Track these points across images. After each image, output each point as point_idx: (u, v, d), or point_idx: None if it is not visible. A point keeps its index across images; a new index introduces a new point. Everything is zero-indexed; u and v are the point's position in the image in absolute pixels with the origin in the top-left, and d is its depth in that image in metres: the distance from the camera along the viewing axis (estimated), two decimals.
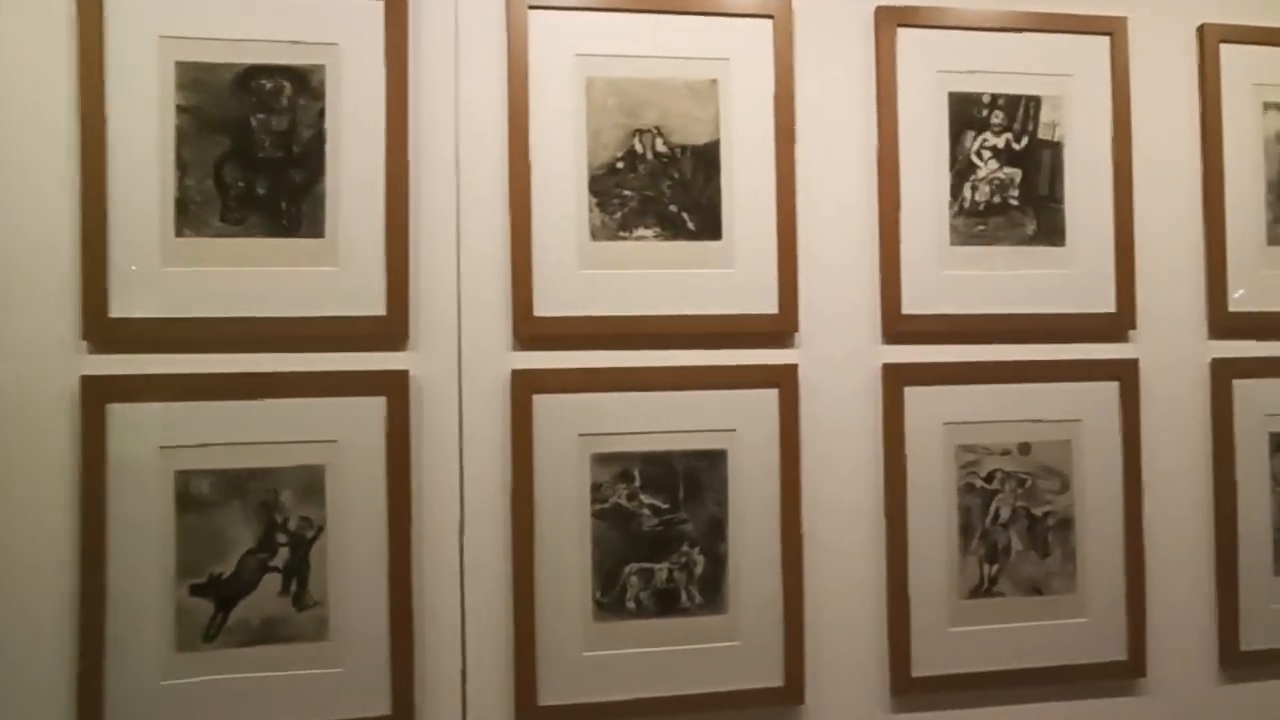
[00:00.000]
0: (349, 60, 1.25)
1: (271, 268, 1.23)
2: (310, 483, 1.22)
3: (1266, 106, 1.51)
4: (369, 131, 1.25)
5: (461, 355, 1.28)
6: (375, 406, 1.24)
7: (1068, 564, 1.41)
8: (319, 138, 1.24)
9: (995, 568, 1.40)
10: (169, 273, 1.20)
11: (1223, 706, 1.47)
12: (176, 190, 1.20)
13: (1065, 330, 1.42)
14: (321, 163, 1.24)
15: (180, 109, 1.20)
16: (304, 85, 1.23)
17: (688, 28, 1.33)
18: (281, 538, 1.21)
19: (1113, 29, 1.45)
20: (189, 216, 1.20)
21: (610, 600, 1.29)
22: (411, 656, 1.24)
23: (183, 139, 1.19)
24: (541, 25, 1.30)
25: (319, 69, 1.24)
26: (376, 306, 1.25)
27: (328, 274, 1.24)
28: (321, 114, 1.24)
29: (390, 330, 1.25)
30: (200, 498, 1.19)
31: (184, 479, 1.18)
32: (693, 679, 1.30)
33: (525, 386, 1.27)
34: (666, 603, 1.30)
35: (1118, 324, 1.44)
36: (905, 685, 1.36)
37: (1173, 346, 1.47)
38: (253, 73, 1.21)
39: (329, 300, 1.24)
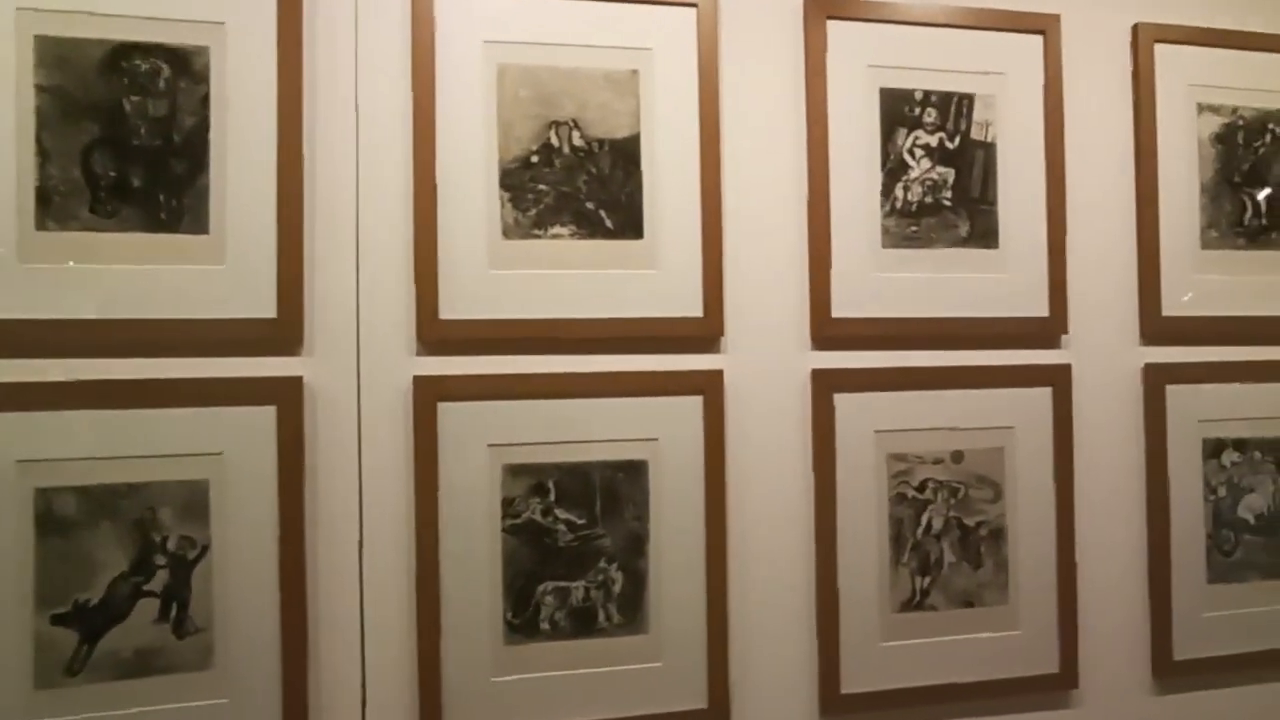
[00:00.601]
0: (236, 41, 1.15)
1: (150, 265, 1.13)
2: (192, 499, 1.12)
3: (1202, 108, 1.49)
4: (259, 119, 1.15)
5: (360, 361, 1.19)
6: (265, 416, 1.14)
7: (1000, 575, 1.37)
8: (203, 125, 1.14)
9: (927, 580, 1.35)
10: (30, 269, 1.09)
11: (1156, 716, 1.45)
12: (37, 179, 1.08)
13: (998, 335, 1.39)
14: (205, 153, 1.14)
15: (40, 89, 1.09)
16: (185, 67, 1.13)
17: (607, 15, 1.26)
18: (159, 559, 1.11)
19: (1045, 27, 1.42)
20: (52, 208, 1.09)
21: (523, 621, 1.21)
22: (305, 686, 1.14)
23: (44, 123, 1.08)
24: (448, 9, 1.21)
25: (202, 50, 1.14)
26: (266, 308, 1.15)
27: (213, 273, 1.14)
28: (206, 99, 1.14)
29: (282, 333, 1.16)
30: (64, 518, 1.08)
31: (45, 497, 1.07)
32: (612, 702, 1.23)
33: (430, 393, 1.19)
34: (583, 623, 1.22)
35: (1050, 329, 1.40)
36: (835, 703, 1.30)
37: (1106, 352, 1.44)
38: (125, 51, 1.11)
39: (214, 301, 1.14)
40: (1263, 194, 1.48)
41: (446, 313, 1.20)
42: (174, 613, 1.11)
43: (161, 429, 1.12)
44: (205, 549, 1.13)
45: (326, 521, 1.17)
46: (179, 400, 1.13)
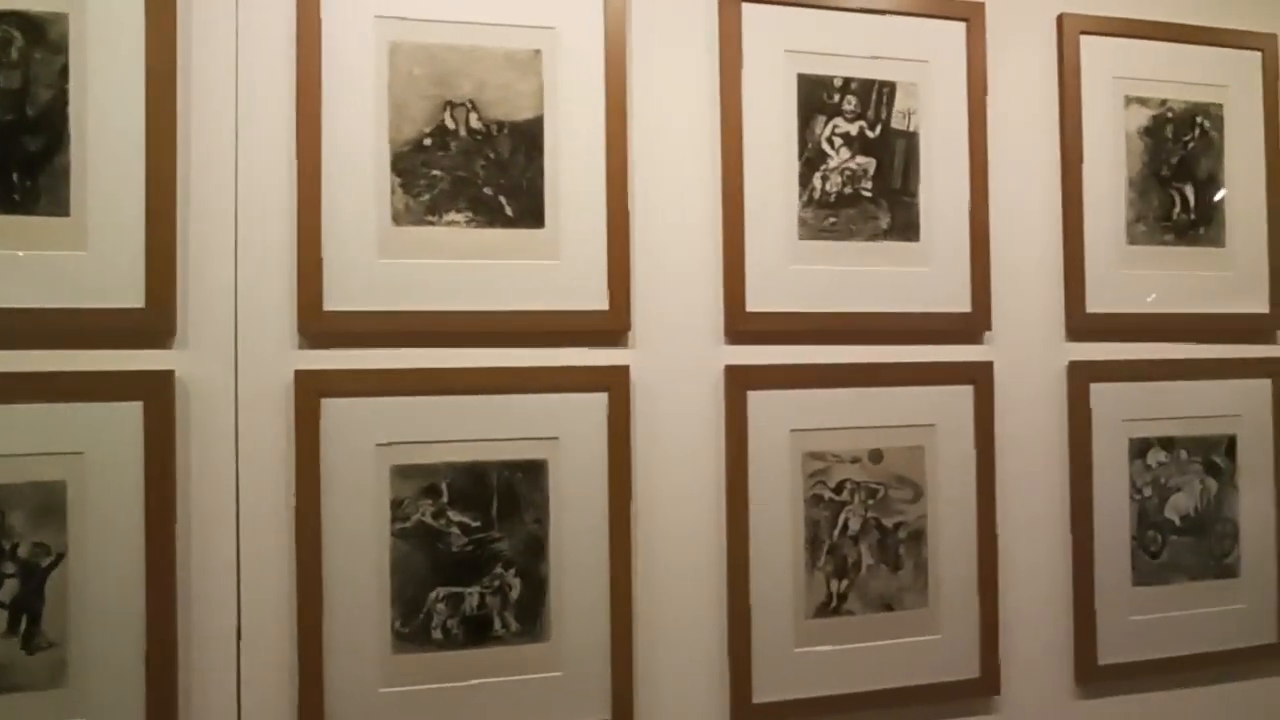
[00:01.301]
0: (98, 7, 1.07)
1: (2, 250, 1.05)
2: (47, 502, 1.04)
3: (1129, 100, 1.46)
4: (125, 93, 1.07)
5: (238, 354, 1.11)
6: (131, 412, 1.06)
7: (920, 578, 1.33)
8: (60, 99, 1.05)
9: (844, 583, 1.30)
10: None
11: None
12: None
13: (918, 331, 1.34)
14: (64, 129, 1.05)
15: None
16: (40, 36, 1.05)
17: None
18: (9, 567, 1.03)
19: (969, 15, 1.37)
20: None
21: (413, 630, 1.14)
22: (175, 704, 1.07)
23: None
24: None
25: (60, 18, 1.05)
26: (134, 297, 1.07)
27: (73, 259, 1.06)
28: (64, 71, 1.05)
29: (151, 324, 1.08)
30: None
31: None
32: (509, 714, 1.16)
33: (312, 389, 1.12)
34: (478, 631, 1.16)
35: (973, 325, 1.36)
36: (746, 712, 1.25)
37: (1029, 349, 1.40)
38: None
39: (74, 289, 1.06)
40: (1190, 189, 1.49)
41: (332, 303, 1.13)
42: (24, 626, 1.03)
43: (14, 426, 1.03)
44: (61, 556, 1.04)
45: (199, 527, 1.10)
46: (33, 395, 1.04)
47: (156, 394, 1.07)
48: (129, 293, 1.07)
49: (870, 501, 1.32)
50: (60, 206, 1.06)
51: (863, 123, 1.33)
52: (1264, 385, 1.50)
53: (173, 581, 1.08)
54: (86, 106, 1.06)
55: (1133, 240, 1.45)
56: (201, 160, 1.11)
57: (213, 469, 1.10)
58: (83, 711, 1.04)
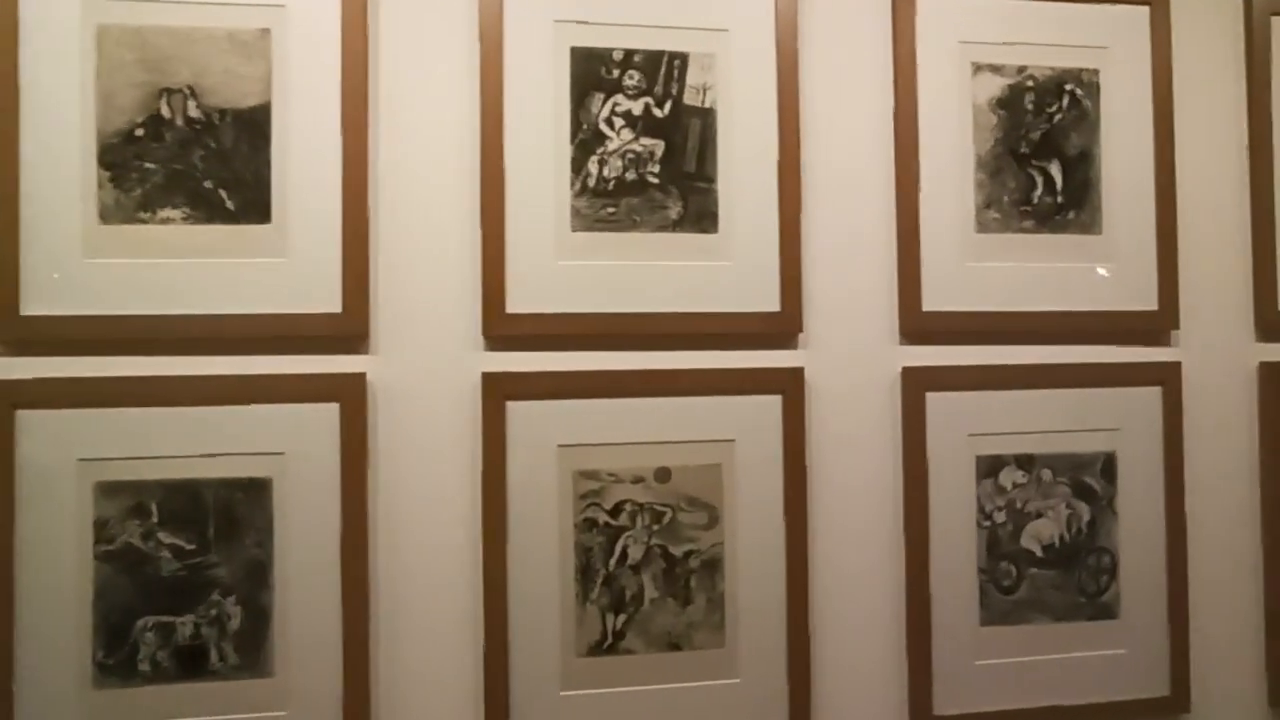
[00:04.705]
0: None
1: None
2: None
3: (978, 68, 1.27)
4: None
5: None
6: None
7: (715, 614, 1.17)
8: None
9: (622, 619, 1.17)
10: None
11: None
12: None
13: (718, 334, 1.19)
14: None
15: None
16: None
17: None
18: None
19: None
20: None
21: (117, 662, 1.04)
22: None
23: None
24: None
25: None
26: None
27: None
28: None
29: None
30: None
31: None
32: None
33: (4, 401, 1.03)
34: (192, 663, 1.06)
35: (784, 326, 1.19)
36: None
37: (854, 352, 1.23)
38: None
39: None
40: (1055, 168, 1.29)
41: (29, 309, 1.04)
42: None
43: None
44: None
45: None
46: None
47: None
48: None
49: (655, 526, 1.18)
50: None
51: (649, 99, 1.18)
52: (1152, 394, 1.29)
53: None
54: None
55: (983, 228, 1.25)
56: None
57: None
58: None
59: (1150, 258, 1.29)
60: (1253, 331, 1.33)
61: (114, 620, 1.05)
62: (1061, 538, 1.26)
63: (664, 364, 1.18)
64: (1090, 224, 1.29)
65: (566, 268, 1.16)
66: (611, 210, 1.18)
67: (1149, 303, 1.29)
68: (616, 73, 1.18)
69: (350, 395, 1.11)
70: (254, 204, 1.10)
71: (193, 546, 1.07)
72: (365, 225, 1.12)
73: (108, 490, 1.06)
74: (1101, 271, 1.27)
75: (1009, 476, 1.25)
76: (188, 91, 1.09)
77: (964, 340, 1.25)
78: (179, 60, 1.09)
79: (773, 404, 1.19)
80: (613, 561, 1.16)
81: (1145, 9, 1.30)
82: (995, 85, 1.27)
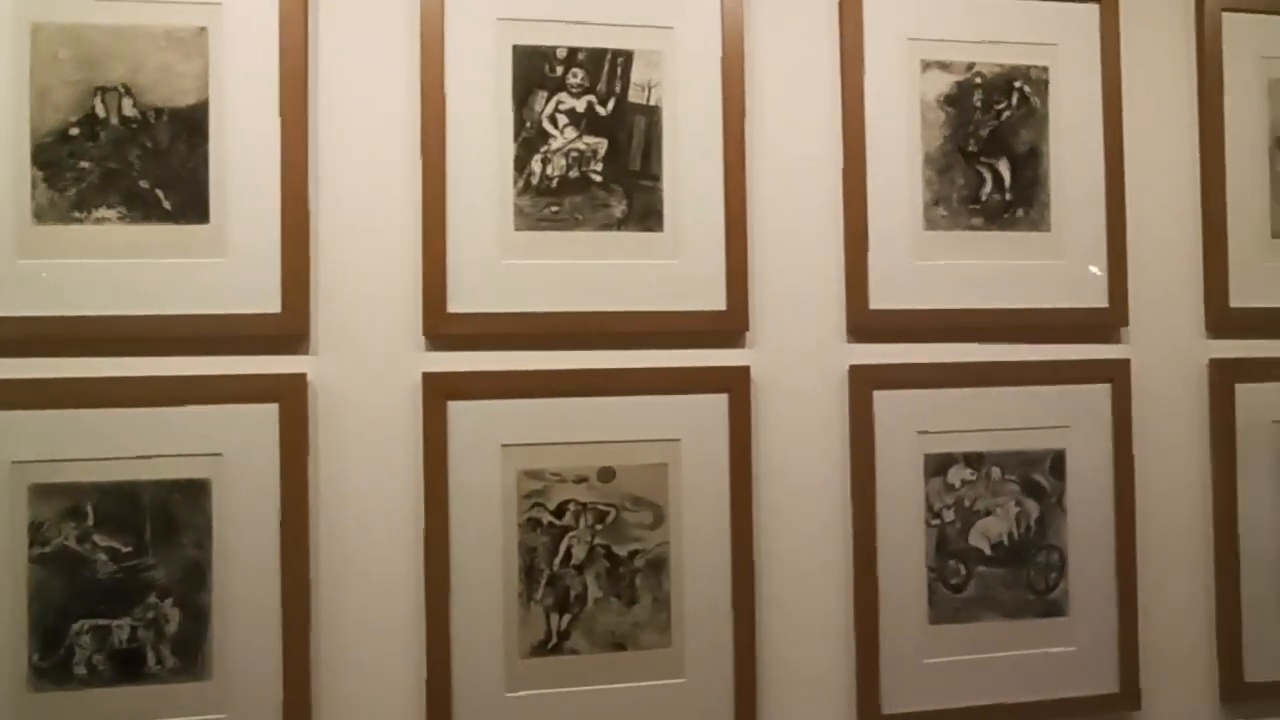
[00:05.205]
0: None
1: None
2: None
3: (927, 65, 1.26)
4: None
5: None
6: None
7: (660, 614, 1.17)
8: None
9: (566, 619, 1.17)
10: None
11: None
12: None
13: (664, 333, 1.18)
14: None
15: None
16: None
17: None
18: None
19: None
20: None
21: (53, 665, 1.03)
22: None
23: None
24: None
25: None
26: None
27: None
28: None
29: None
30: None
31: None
32: None
33: None
34: (129, 667, 1.05)
35: (730, 325, 1.19)
36: None
37: (801, 351, 1.22)
38: None
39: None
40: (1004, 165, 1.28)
41: None
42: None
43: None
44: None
45: None
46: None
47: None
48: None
49: (599, 526, 1.17)
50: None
51: (592, 97, 1.18)
52: (1101, 391, 1.29)
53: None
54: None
55: (931, 225, 1.25)
56: None
57: None
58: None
59: (1100, 255, 1.30)
60: (1203, 328, 1.34)
61: (49, 623, 1.04)
62: (1010, 535, 1.26)
63: (609, 363, 1.17)
64: (1039, 221, 1.29)
65: (509, 267, 1.16)
66: (555, 209, 1.18)
67: (1099, 300, 1.30)
68: (560, 70, 1.18)
69: (290, 396, 1.10)
70: (191, 203, 1.09)
71: (129, 549, 1.07)
72: (305, 224, 1.11)
73: (42, 493, 1.05)
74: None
75: (957, 474, 1.25)
76: (123, 90, 1.08)
77: (912, 338, 1.25)
78: (114, 58, 1.08)
79: (719, 403, 1.19)
80: (557, 561, 1.15)
81: (1095, 6, 1.31)
82: (944, 82, 1.27)
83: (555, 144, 1.18)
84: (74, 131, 1.07)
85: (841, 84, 1.24)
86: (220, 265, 1.10)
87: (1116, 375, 1.30)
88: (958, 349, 1.26)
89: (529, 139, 1.17)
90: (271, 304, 1.10)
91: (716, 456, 1.19)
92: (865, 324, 1.23)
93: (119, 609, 1.06)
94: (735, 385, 1.20)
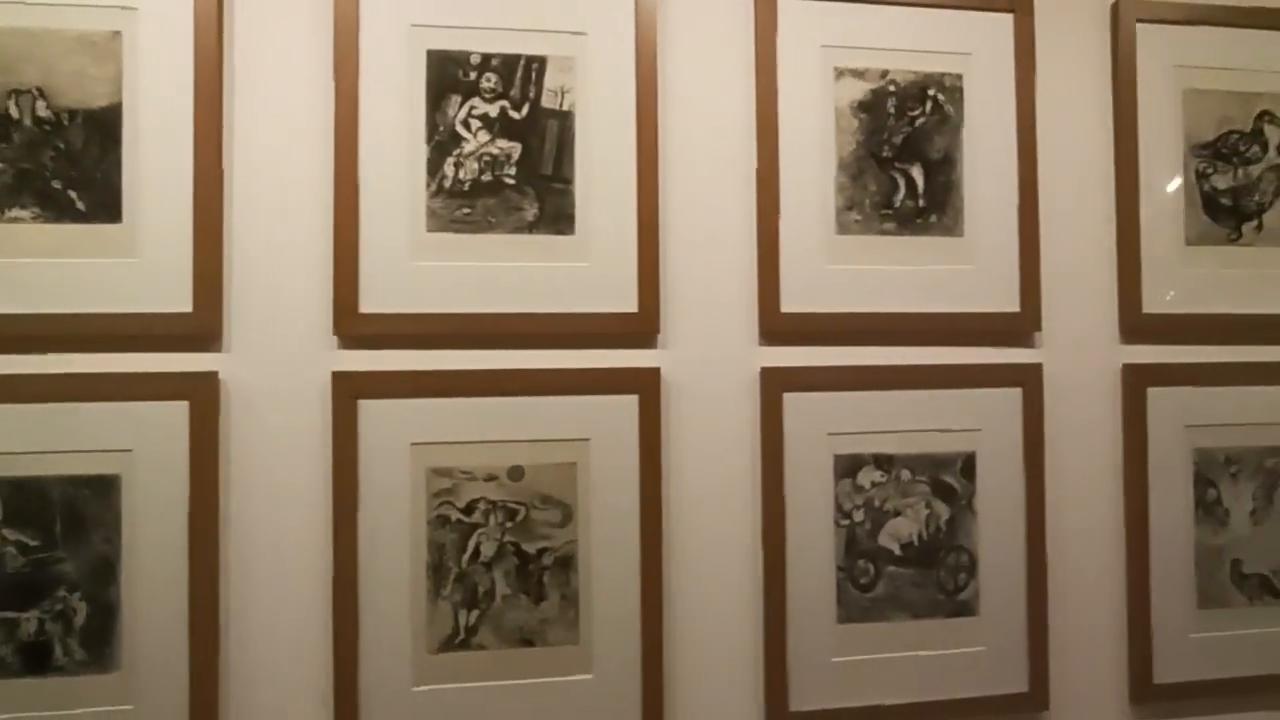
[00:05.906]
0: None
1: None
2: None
3: (841, 72, 1.28)
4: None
5: None
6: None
7: (568, 611, 1.18)
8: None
9: (474, 615, 1.18)
10: None
11: None
12: None
13: (575, 334, 1.20)
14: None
15: None
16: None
17: None
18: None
19: None
20: None
21: None
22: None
23: None
24: None
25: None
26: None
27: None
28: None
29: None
30: None
31: None
32: None
33: None
34: (36, 660, 1.07)
35: (641, 326, 1.20)
36: None
37: (713, 352, 1.24)
38: None
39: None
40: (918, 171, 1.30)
41: None
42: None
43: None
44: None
45: None
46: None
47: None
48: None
49: (508, 524, 1.19)
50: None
51: (505, 102, 1.20)
52: (1012, 395, 1.30)
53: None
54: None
55: (844, 230, 1.27)
56: None
57: None
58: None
59: (1013, 260, 1.32)
60: (1117, 334, 1.37)
61: None
62: (920, 536, 1.28)
63: (519, 363, 1.19)
64: (952, 226, 1.31)
65: (421, 268, 1.18)
66: (468, 211, 1.20)
67: (1011, 304, 1.32)
68: (474, 75, 1.20)
69: (200, 393, 1.12)
70: (104, 204, 1.11)
71: (38, 543, 1.08)
72: (218, 225, 1.13)
73: None
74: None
75: (867, 476, 1.27)
76: (36, 92, 1.10)
77: (824, 341, 1.27)
78: (27, 61, 1.10)
79: (629, 403, 1.21)
80: (465, 558, 1.17)
81: (1009, 16, 1.33)
82: (857, 89, 1.29)
83: (468, 147, 1.19)
84: None
85: (756, 90, 1.26)
86: (133, 265, 1.12)
87: (1028, 379, 1.32)
88: (869, 352, 1.28)
89: (442, 142, 1.19)
90: (183, 303, 1.12)
91: (626, 457, 1.20)
92: (777, 327, 1.25)
93: (27, 602, 1.08)
94: (646, 386, 1.21)
